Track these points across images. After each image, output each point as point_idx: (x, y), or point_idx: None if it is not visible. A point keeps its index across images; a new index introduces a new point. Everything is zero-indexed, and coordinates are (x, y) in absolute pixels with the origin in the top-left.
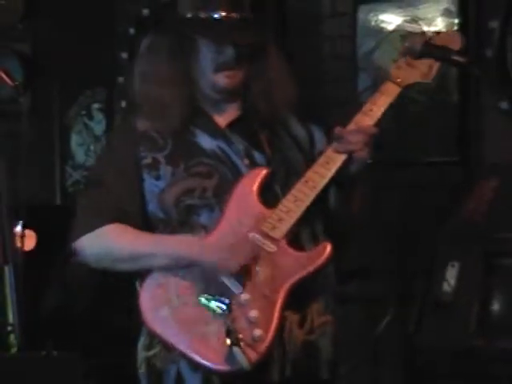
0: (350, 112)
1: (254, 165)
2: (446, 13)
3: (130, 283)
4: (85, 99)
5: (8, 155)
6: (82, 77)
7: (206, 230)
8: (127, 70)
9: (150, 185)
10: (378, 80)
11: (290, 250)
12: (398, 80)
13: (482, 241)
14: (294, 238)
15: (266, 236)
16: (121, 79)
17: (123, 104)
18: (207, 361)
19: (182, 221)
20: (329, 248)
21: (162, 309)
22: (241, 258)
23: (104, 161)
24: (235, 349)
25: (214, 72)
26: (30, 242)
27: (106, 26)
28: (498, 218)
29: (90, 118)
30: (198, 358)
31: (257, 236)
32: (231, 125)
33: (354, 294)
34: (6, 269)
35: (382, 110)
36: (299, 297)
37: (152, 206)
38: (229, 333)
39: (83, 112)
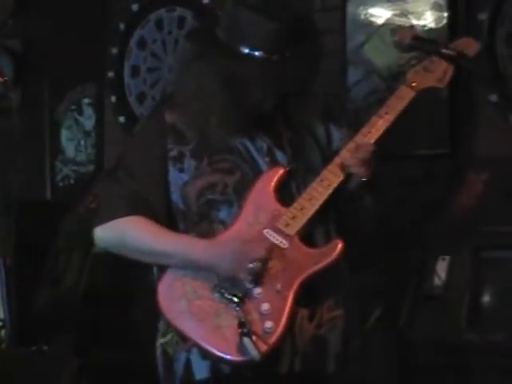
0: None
1: (274, 163)
2: (435, 6)
3: (126, 282)
4: (75, 94)
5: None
6: (72, 72)
7: (224, 225)
8: (117, 64)
9: (174, 176)
10: (368, 74)
11: (303, 247)
12: (413, 84)
13: (473, 234)
14: (308, 236)
15: (280, 232)
16: (111, 74)
17: (113, 99)
18: (219, 351)
19: (201, 214)
20: (340, 245)
21: (178, 300)
22: (251, 261)
23: (133, 149)
24: (246, 340)
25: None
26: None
27: (96, 21)
28: (489, 212)
29: (80, 113)
30: (210, 348)
31: (271, 232)
32: (257, 121)
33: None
34: None
35: (397, 113)
36: (311, 292)
37: (175, 197)
38: (241, 324)
39: (73, 107)
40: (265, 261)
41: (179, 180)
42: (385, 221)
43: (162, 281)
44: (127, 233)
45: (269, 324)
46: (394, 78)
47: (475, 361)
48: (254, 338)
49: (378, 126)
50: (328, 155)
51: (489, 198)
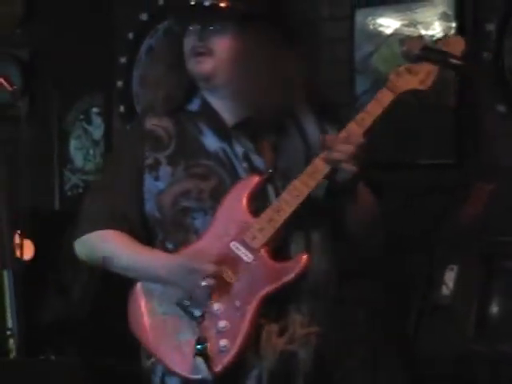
0: (347, 116)
1: (252, 169)
2: (444, 16)
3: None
4: (83, 104)
5: (7, 160)
6: (80, 81)
7: (197, 234)
8: (126, 74)
9: (150, 184)
10: (376, 84)
11: (268, 261)
12: (394, 87)
13: (480, 244)
14: (283, 247)
15: (246, 245)
16: (120, 83)
17: (122, 108)
18: (175, 368)
19: (177, 223)
20: (304, 260)
21: (145, 315)
22: (202, 277)
23: (109, 162)
24: (198, 359)
25: (187, 59)
26: (28, 251)
27: (105, 30)
28: (495, 222)
29: (89, 122)
30: (169, 364)
31: (237, 245)
32: (238, 125)
33: (352, 296)
34: (5, 274)
35: (374, 117)
36: (281, 307)
37: (149, 206)
38: (198, 342)
39: (82, 116)
40: (218, 276)
41: (154, 188)
42: (390, 230)
43: (131, 295)
44: (97, 247)
45: (223, 342)
46: None
47: (483, 371)
48: (208, 356)
49: (353, 131)
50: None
51: (496, 208)
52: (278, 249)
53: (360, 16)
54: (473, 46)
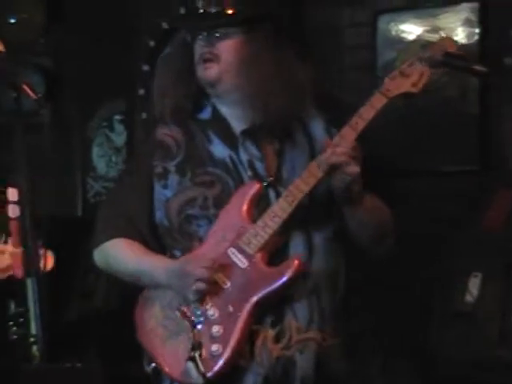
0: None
1: (256, 177)
2: (467, 22)
3: None
4: (106, 111)
5: (30, 167)
6: (103, 89)
7: (201, 242)
8: (148, 81)
9: (158, 193)
10: None
11: (262, 266)
12: (387, 91)
13: (504, 251)
14: (282, 250)
15: (242, 251)
16: (142, 91)
17: (144, 116)
18: (170, 371)
19: (183, 231)
20: (295, 264)
21: (148, 320)
22: (195, 282)
23: (122, 172)
24: (190, 364)
25: (196, 66)
26: (48, 262)
27: (127, 38)
28: None
29: (111, 129)
30: (166, 369)
31: (233, 250)
32: (245, 132)
33: (369, 304)
34: (29, 281)
35: (367, 121)
36: (276, 311)
37: (159, 214)
38: (192, 347)
39: (104, 124)
40: (212, 281)
41: (163, 197)
42: (414, 235)
43: (138, 300)
44: (110, 255)
45: (215, 347)
46: (425, 95)
47: (507, 377)
48: (200, 361)
49: (347, 135)
50: None
51: None
52: (277, 251)
53: (382, 22)
54: (496, 51)
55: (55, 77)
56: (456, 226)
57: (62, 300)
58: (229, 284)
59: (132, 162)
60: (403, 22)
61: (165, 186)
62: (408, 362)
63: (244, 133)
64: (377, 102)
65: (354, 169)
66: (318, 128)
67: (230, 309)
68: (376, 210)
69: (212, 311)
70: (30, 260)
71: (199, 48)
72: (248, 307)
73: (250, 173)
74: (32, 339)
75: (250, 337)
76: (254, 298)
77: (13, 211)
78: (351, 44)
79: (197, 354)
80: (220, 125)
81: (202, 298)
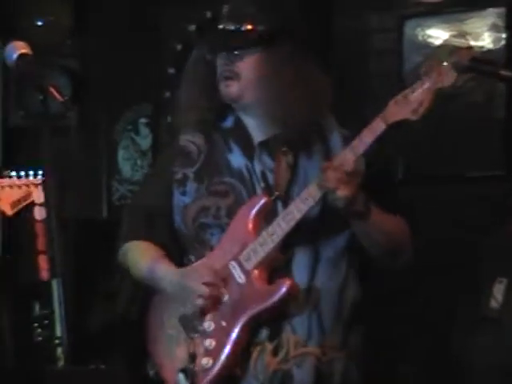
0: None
1: (268, 188)
2: (494, 27)
3: None
4: (131, 114)
5: (57, 170)
6: (128, 92)
7: (211, 250)
8: (174, 85)
9: (177, 199)
10: None
11: (257, 283)
12: (386, 117)
13: None
14: (285, 266)
15: (241, 265)
16: (168, 94)
17: (169, 119)
18: (168, 381)
19: (197, 238)
20: (286, 285)
21: (153, 328)
22: (194, 296)
23: (146, 176)
24: (181, 375)
25: (219, 82)
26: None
27: (153, 41)
28: None
29: (137, 132)
30: (164, 377)
31: (234, 264)
32: (263, 143)
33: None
34: (54, 283)
35: (366, 146)
36: (274, 325)
37: (178, 220)
38: (188, 358)
39: (130, 127)
40: (211, 297)
41: (181, 202)
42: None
43: (150, 305)
44: (128, 258)
45: (206, 360)
46: (451, 100)
47: None
48: (191, 374)
49: (346, 158)
50: None
51: None
52: (280, 267)
53: (408, 27)
54: None
55: (82, 79)
56: (481, 232)
57: (87, 302)
58: (227, 298)
59: (155, 167)
60: (430, 27)
61: (183, 193)
62: (433, 368)
63: (261, 144)
64: (376, 126)
65: (344, 193)
66: (337, 142)
67: (223, 323)
68: (387, 225)
69: (208, 324)
70: (55, 262)
71: (220, 66)
72: (240, 323)
73: (262, 184)
74: (57, 341)
75: (246, 349)
76: (246, 316)
77: (39, 213)
78: (378, 49)
79: (190, 366)
80: (241, 134)
81: (201, 312)
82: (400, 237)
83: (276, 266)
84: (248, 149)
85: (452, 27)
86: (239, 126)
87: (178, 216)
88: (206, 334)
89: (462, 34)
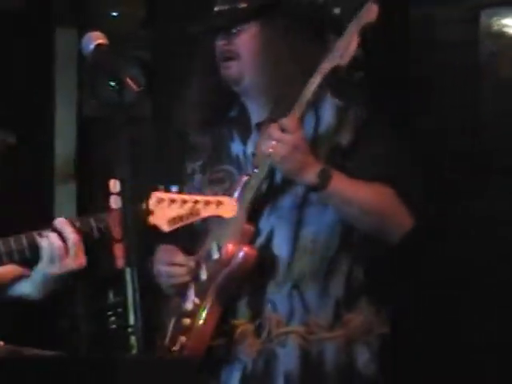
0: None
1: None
2: None
3: None
4: None
5: (131, 160)
6: None
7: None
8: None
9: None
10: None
11: (227, 256)
12: (321, 69)
13: None
14: (265, 246)
15: (218, 243)
16: None
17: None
18: None
19: (202, 227)
20: (241, 251)
21: (168, 316)
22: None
23: None
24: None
25: (219, 66)
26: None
27: None
28: None
29: None
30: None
31: (214, 243)
32: (259, 125)
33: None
34: (128, 271)
35: (303, 104)
36: (254, 305)
37: None
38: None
39: None
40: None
41: None
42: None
43: None
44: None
45: (182, 339)
46: None
47: None
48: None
49: (283, 120)
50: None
51: None
52: (261, 247)
53: (484, 17)
54: None
55: (154, 70)
56: None
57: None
58: (204, 277)
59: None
60: (506, 16)
61: (192, 187)
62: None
63: (257, 126)
64: (313, 80)
65: (277, 154)
66: (327, 111)
67: (196, 301)
68: (359, 197)
69: (188, 304)
70: (129, 250)
71: (219, 48)
72: (209, 300)
73: (256, 170)
74: (130, 330)
75: (228, 331)
76: (213, 288)
77: (115, 202)
78: (453, 40)
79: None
80: (243, 121)
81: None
82: (382, 208)
83: (249, 240)
84: (246, 134)
85: None
86: (242, 113)
87: None
88: (186, 313)
89: None
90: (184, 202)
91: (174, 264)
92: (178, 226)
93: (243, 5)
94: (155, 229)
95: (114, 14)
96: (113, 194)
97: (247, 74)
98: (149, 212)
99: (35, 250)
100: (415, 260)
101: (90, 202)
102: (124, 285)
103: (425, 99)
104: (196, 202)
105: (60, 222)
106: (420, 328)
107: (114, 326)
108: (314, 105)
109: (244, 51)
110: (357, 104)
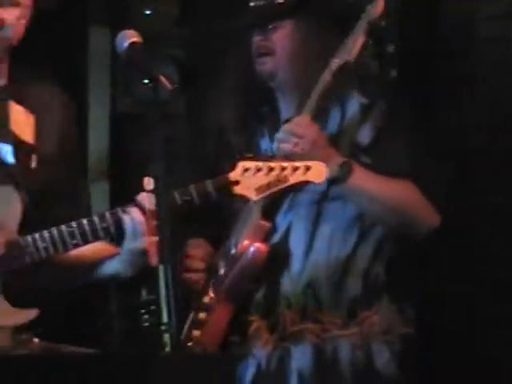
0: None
1: None
2: None
3: None
4: None
5: (166, 157)
6: None
7: None
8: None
9: None
10: None
11: (241, 251)
12: (331, 67)
13: None
14: (283, 241)
15: (237, 240)
16: None
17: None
18: None
19: (233, 220)
20: (253, 247)
21: None
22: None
23: None
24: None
25: (255, 61)
26: None
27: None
28: None
29: None
30: None
31: (233, 240)
32: (288, 120)
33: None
34: (161, 268)
35: (313, 102)
36: (269, 302)
37: None
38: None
39: None
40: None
41: None
42: None
43: None
44: None
45: (196, 333)
46: None
47: None
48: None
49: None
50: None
51: None
52: (280, 241)
53: None
54: None
55: (188, 68)
56: None
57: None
58: (222, 271)
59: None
60: None
61: None
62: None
63: (286, 122)
64: (324, 78)
65: (296, 150)
66: (353, 108)
67: (213, 295)
68: (382, 192)
69: (206, 298)
70: (163, 247)
71: (255, 43)
72: (221, 297)
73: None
74: (163, 327)
75: (242, 327)
76: (226, 284)
77: (148, 199)
78: (488, 37)
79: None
80: (273, 118)
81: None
82: (407, 204)
83: (264, 236)
84: (275, 131)
85: None
86: (274, 109)
87: None
88: (203, 307)
89: None
90: (271, 169)
91: (189, 257)
92: (266, 194)
93: (280, 0)
94: (242, 198)
95: (148, 12)
96: (147, 191)
97: (281, 70)
98: (233, 183)
99: (119, 226)
100: (438, 257)
101: (123, 200)
102: (157, 282)
103: (456, 93)
104: (283, 168)
105: (143, 197)
106: (441, 327)
107: (146, 324)
108: (341, 101)
109: (279, 47)
110: (382, 101)
